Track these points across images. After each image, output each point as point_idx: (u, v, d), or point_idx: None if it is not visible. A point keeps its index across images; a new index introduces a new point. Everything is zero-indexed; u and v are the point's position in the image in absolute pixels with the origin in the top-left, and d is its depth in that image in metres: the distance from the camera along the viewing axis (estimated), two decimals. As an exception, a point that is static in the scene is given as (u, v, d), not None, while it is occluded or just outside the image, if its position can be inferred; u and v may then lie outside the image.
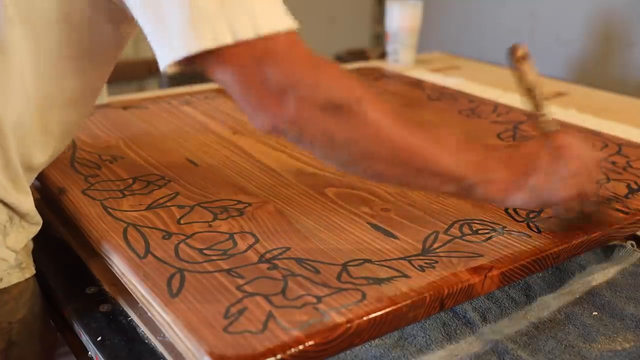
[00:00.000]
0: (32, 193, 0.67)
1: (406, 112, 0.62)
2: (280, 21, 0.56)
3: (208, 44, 0.53)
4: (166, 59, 0.55)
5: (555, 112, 1.18)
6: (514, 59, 0.75)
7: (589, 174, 0.67)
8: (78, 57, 0.65)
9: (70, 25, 0.63)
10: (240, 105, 0.58)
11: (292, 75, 0.56)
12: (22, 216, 0.66)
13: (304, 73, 0.56)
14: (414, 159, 0.60)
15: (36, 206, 0.68)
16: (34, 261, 0.69)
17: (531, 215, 0.73)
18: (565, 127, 0.70)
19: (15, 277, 0.65)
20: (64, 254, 0.77)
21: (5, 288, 0.64)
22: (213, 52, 0.54)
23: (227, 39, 0.53)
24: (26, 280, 0.67)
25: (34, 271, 0.68)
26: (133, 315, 0.65)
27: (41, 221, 0.69)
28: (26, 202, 0.66)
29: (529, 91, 0.74)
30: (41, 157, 0.68)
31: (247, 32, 0.54)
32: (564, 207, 0.67)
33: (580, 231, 0.68)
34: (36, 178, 0.83)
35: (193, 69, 0.57)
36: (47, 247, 0.78)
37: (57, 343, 0.76)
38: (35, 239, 0.69)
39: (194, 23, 0.53)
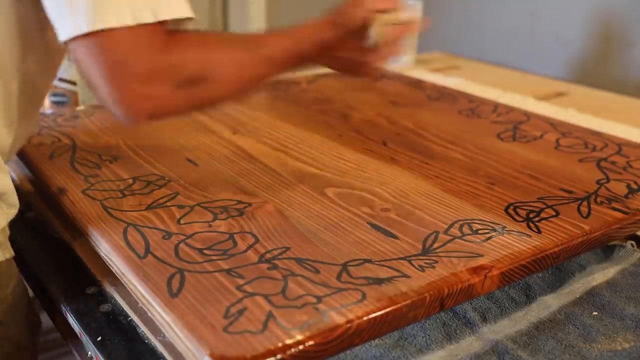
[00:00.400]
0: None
1: (242, 39, 0.69)
2: (178, 8, 0.61)
3: (112, 23, 0.56)
4: (66, 34, 0.58)
5: (556, 111, 1.18)
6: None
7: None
8: (12, 38, 0.66)
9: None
10: (105, 97, 0.60)
11: (154, 65, 0.59)
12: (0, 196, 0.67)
13: (163, 59, 0.60)
14: (268, 70, 0.69)
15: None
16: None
17: (531, 216, 0.73)
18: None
19: None
20: (64, 254, 0.77)
21: None
22: (98, 35, 0.57)
23: (127, 21, 0.57)
24: (7, 260, 0.68)
25: (12, 253, 0.70)
26: (133, 315, 0.65)
27: (18, 204, 0.70)
28: (2, 180, 0.67)
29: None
30: (6, 135, 0.69)
31: (147, 17, 0.58)
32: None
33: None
34: (36, 177, 0.83)
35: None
36: (47, 247, 0.78)
37: (41, 324, 0.77)
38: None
39: (100, 3, 0.56)
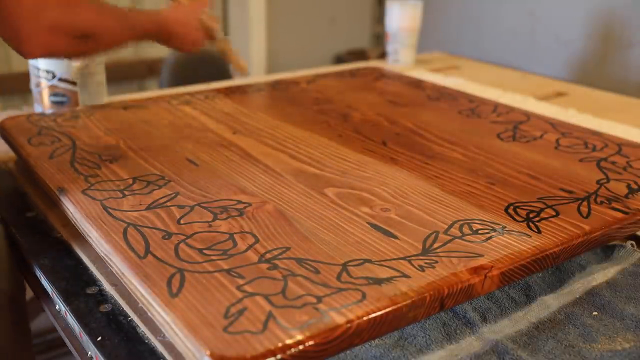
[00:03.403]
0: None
1: (117, 12, 0.84)
2: None
3: None
4: None
5: (556, 111, 1.18)
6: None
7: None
8: None
9: None
10: (7, 35, 0.72)
11: (57, 17, 0.73)
12: None
13: (63, 14, 0.73)
14: (127, 41, 0.86)
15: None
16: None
17: (531, 216, 0.73)
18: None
19: None
20: (64, 254, 0.77)
21: None
22: None
23: None
24: None
25: None
26: (133, 315, 0.65)
27: None
28: None
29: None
30: None
31: None
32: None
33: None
34: (36, 178, 0.83)
35: None
36: (47, 247, 0.78)
37: (24, 287, 0.81)
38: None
39: None
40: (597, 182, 0.83)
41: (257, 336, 0.51)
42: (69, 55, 0.82)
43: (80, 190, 0.77)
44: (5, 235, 0.79)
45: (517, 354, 0.58)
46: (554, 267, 0.72)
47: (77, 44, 0.76)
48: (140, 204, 0.74)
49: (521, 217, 0.73)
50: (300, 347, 0.51)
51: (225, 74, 1.77)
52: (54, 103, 1.12)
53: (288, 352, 0.50)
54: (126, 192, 0.77)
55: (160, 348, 0.60)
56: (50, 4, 0.72)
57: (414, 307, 0.57)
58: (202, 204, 0.74)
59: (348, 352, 0.58)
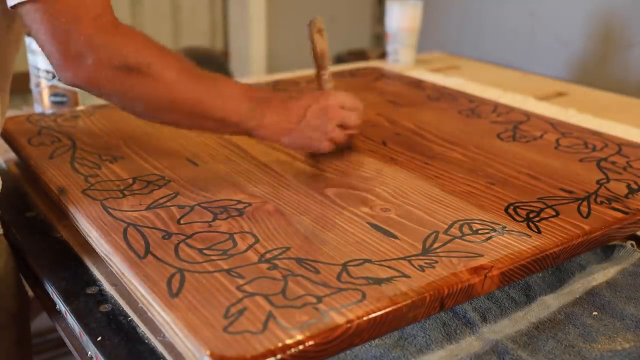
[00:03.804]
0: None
1: (195, 67, 0.73)
2: None
3: None
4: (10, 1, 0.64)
5: (556, 111, 1.18)
6: (312, 30, 0.91)
7: (344, 123, 0.84)
8: None
9: None
10: (50, 59, 0.66)
11: (93, 41, 0.65)
12: None
13: (104, 39, 0.65)
14: (196, 109, 0.72)
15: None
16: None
17: (531, 216, 0.73)
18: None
19: None
20: (64, 254, 0.77)
21: None
22: (42, 8, 0.63)
23: None
24: None
25: (1, 230, 0.72)
26: (133, 315, 0.65)
27: (0, 180, 0.73)
28: None
29: (318, 57, 0.91)
30: None
31: None
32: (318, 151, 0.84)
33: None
34: (36, 178, 0.83)
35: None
36: (47, 247, 0.78)
37: (30, 300, 0.80)
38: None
39: None
40: (597, 182, 0.83)
41: (257, 336, 0.51)
42: (107, 90, 0.68)
43: (80, 190, 0.77)
44: (11, 251, 0.77)
45: (517, 354, 0.58)
46: (554, 267, 0.72)
47: (117, 76, 0.67)
48: (140, 204, 0.74)
49: (521, 217, 0.73)
50: (300, 347, 0.51)
51: (225, 74, 1.77)
52: (54, 103, 1.12)
53: (288, 352, 0.50)
54: (126, 192, 0.77)
55: (160, 348, 0.60)
56: (88, 15, 0.65)
57: (414, 307, 0.57)
58: (202, 204, 0.74)
59: (348, 352, 0.58)
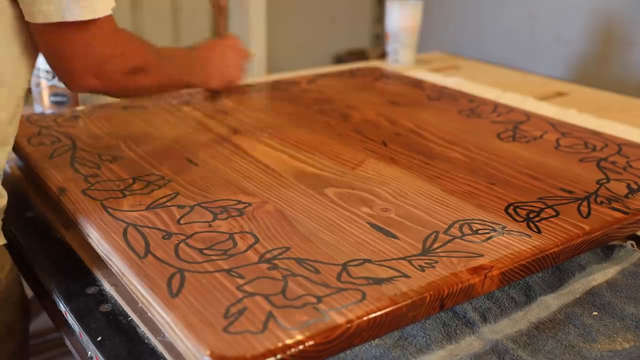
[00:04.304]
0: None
1: (163, 51, 0.90)
2: (108, 5, 0.73)
3: (96, 14, 0.71)
4: (35, 18, 0.69)
5: (556, 111, 1.18)
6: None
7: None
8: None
9: None
10: (60, 71, 0.75)
11: (112, 52, 0.75)
12: None
13: (118, 50, 0.76)
14: (172, 85, 0.95)
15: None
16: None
17: (531, 216, 0.73)
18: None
19: None
20: (64, 254, 0.77)
21: None
22: (67, 25, 0.70)
23: (98, 14, 0.71)
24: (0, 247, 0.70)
25: (4, 240, 0.72)
26: (133, 315, 0.65)
27: (6, 195, 0.74)
28: None
29: (215, 7, 1.11)
30: (8, 128, 0.73)
31: (102, 11, 0.72)
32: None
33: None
34: (36, 177, 0.83)
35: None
36: (47, 247, 0.78)
37: (31, 309, 0.79)
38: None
39: None
40: (597, 182, 0.83)
41: (257, 336, 0.51)
42: (122, 90, 0.82)
43: (80, 190, 0.77)
44: (14, 262, 0.76)
45: (517, 354, 0.58)
46: (554, 267, 0.72)
47: (128, 78, 0.78)
48: (140, 204, 0.74)
49: (521, 217, 0.73)
50: (300, 347, 0.51)
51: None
52: (54, 103, 1.12)
53: (288, 352, 0.50)
54: (126, 192, 0.77)
55: (160, 348, 0.60)
56: (100, 41, 0.73)
57: (414, 307, 0.57)
58: (202, 204, 0.74)
59: (348, 352, 0.58)
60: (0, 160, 0.72)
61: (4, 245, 0.74)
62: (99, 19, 0.71)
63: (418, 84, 1.33)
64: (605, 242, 0.74)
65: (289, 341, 0.51)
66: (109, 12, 0.73)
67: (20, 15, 0.70)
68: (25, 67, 0.73)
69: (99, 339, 0.62)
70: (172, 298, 0.56)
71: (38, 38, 0.71)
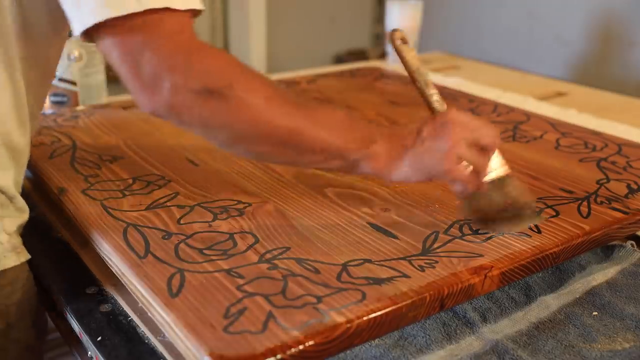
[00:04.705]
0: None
1: (287, 92, 0.63)
2: (185, 1, 0.58)
3: (114, 12, 0.55)
4: (78, 27, 0.57)
5: (556, 111, 1.18)
6: (395, 41, 0.74)
7: (477, 143, 0.65)
8: (19, 40, 0.65)
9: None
10: (127, 86, 0.59)
11: (168, 62, 0.57)
12: (10, 200, 0.67)
13: (179, 60, 0.57)
14: (292, 139, 0.61)
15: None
16: (34, 261, 0.69)
17: (531, 215, 0.73)
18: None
19: (11, 261, 0.66)
20: (64, 254, 0.77)
21: (1, 272, 0.66)
22: (111, 31, 0.56)
23: (132, 8, 0.55)
24: (21, 264, 0.68)
25: (28, 255, 0.69)
26: (133, 315, 0.65)
27: (27, 208, 0.70)
28: (8, 178, 0.67)
29: (412, 73, 0.73)
30: (21, 136, 0.68)
31: (154, 3, 0.55)
32: (451, 180, 0.66)
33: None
34: (37, 178, 0.83)
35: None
36: (47, 247, 0.78)
37: (47, 328, 0.77)
38: (35, 239, 0.69)
39: None
40: (597, 182, 0.83)
41: (257, 336, 0.51)
42: (191, 117, 0.59)
43: (80, 190, 0.77)
44: (34, 281, 0.72)
45: (517, 354, 0.58)
46: (554, 267, 0.72)
47: (197, 101, 0.58)
48: (140, 204, 0.74)
49: (521, 217, 0.73)
50: (300, 347, 0.51)
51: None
52: (54, 103, 1.12)
53: (288, 352, 0.50)
54: (126, 192, 0.77)
55: (160, 348, 0.60)
56: (174, 50, 0.57)
57: (414, 307, 0.57)
58: (202, 204, 0.74)
59: (348, 352, 0.58)
60: (19, 173, 0.70)
61: (27, 261, 0.69)
62: (159, 10, 0.56)
63: (418, 84, 1.33)
64: (605, 242, 0.74)
65: (289, 341, 0.51)
66: (181, 6, 0.57)
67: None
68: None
69: (99, 339, 0.62)
70: (172, 298, 0.56)
71: (99, 46, 0.59)
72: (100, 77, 1.15)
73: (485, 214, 0.68)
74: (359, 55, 2.39)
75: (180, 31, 0.58)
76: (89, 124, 1.00)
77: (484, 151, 0.65)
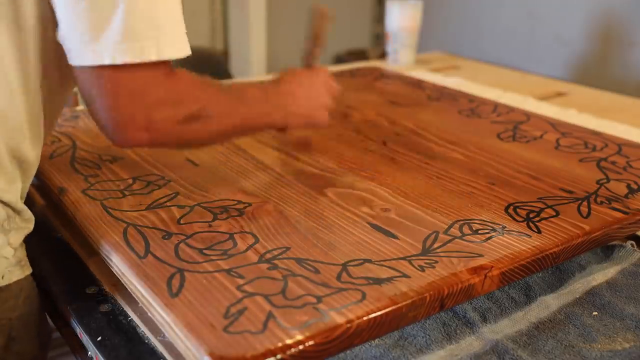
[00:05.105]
0: (32, 193, 0.66)
1: (228, 89, 0.74)
2: (183, 48, 0.64)
3: (134, 58, 0.60)
4: (84, 61, 0.60)
5: (556, 111, 1.18)
6: (315, 13, 0.91)
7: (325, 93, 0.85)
8: (36, 57, 0.65)
9: (21, 25, 0.63)
10: (103, 124, 0.63)
11: (157, 98, 0.63)
12: (18, 213, 0.66)
13: (169, 95, 0.64)
14: (244, 129, 0.75)
15: (36, 206, 0.68)
16: (34, 261, 0.69)
17: (531, 216, 0.73)
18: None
19: (15, 275, 0.66)
20: (64, 254, 0.77)
21: (6, 285, 0.65)
22: (119, 69, 0.60)
23: (152, 56, 0.60)
24: (25, 277, 0.67)
25: (31, 269, 0.69)
26: (133, 315, 0.65)
27: (33, 218, 0.70)
28: (16, 191, 0.67)
29: (313, 34, 0.90)
30: (32, 150, 0.68)
31: (171, 53, 0.62)
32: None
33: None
34: (37, 178, 0.83)
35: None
36: (47, 247, 0.78)
37: (51, 340, 0.77)
38: (35, 239, 0.69)
39: (126, 38, 0.59)
40: (597, 182, 0.83)
41: (257, 336, 0.51)
42: (176, 142, 0.70)
43: (80, 190, 0.77)
44: (38, 292, 0.72)
45: (517, 354, 0.58)
46: (554, 267, 0.72)
47: (183, 128, 0.66)
48: (140, 204, 0.74)
49: (521, 217, 0.73)
50: (300, 347, 0.51)
51: (225, 74, 1.77)
52: (54, 103, 1.11)
53: (288, 352, 0.50)
54: (126, 192, 0.77)
55: (160, 348, 0.60)
56: (152, 82, 0.63)
57: (414, 307, 0.57)
58: (202, 204, 0.74)
59: (348, 352, 0.58)
60: (26, 185, 0.70)
61: (30, 274, 0.70)
62: (151, 62, 0.61)
63: (418, 84, 1.33)
64: (605, 242, 0.74)
65: (289, 341, 0.51)
66: (168, 56, 0.62)
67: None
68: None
69: (99, 339, 0.62)
70: (172, 298, 0.56)
71: (77, 81, 0.63)
72: (100, 77, 1.14)
73: None
74: (359, 55, 2.39)
75: (167, 73, 0.64)
76: (89, 124, 1.00)
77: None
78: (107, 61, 0.59)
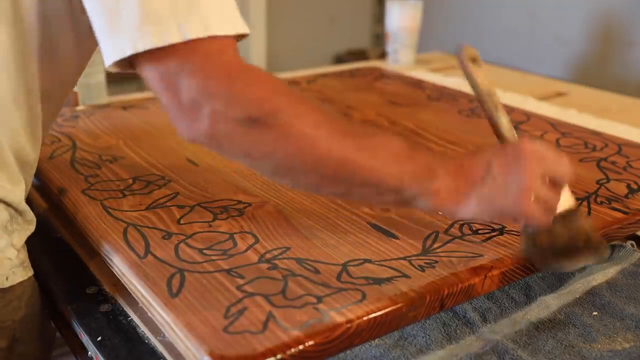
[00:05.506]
0: (32, 193, 0.66)
1: (339, 118, 0.60)
2: (228, 24, 0.55)
3: (153, 43, 0.52)
4: (111, 56, 0.55)
5: (556, 111, 1.18)
6: (464, 60, 0.69)
7: (552, 181, 0.61)
8: (40, 61, 0.64)
9: (22, 20, 0.62)
10: (168, 113, 0.57)
11: (207, 88, 0.54)
12: (20, 213, 0.66)
13: (220, 85, 0.54)
14: (341, 171, 0.57)
15: (37, 206, 0.68)
16: (34, 261, 0.69)
17: (531, 215, 0.73)
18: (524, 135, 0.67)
19: (19, 276, 0.66)
20: (64, 254, 0.77)
21: (9, 287, 0.65)
22: (148, 56, 0.54)
23: (174, 38, 0.52)
24: (28, 278, 0.67)
25: (33, 270, 0.69)
26: (133, 315, 0.65)
27: (35, 219, 0.69)
28: (20, 192, 0.66)
29: (484, 95, 0.68)
30: (32, 150, 0.68)
31: (197, 32, 0.53)
32: (524, 220, 0.61)
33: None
34: (37, 178, 0.83)
35: (132, 72, 0.57)
36: (47, 247, 0.78)
37: (55, 340, 0.76)
38: (35, 239, 0.69)
39: (144, 23, 0.52)
40: (597, 182, 0.83)
41: (257, 336, 0.51)
42: (233, 146, 0.56)
43: (80, 190, 0.77)
44: (40, 294, 0.71)
45: (517, 354, 0.58)
46: (554, 267, 0.72)
47: (238, 130, 0.54)
48: (140, 204, 0.74)
49: (521, 217, 0.73)
50: (300, 347, 0.51)
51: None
52: (54, 103, 1.11)
53: (288, 352, 0.50)
54: (126, 192, 0.77)
55: (160, 348, 0.60)
56: (214, 75, 0.54)
57: (414, 307, 0.57)
58: (202, 204, 0.74)
59: (348, 352, 0.58)
60: (28, 185, 0.70)
61: (32, 276, 0.68)
62: (201, 39, 0.53)
63: (418, 84, 1.33)
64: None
65: (289, 341, 0.51)
66: (224, 31, 0.54)
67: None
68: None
69: (99, 339, 0.62)
70: (172, 298, 0.56)
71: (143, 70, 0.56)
72: (100, 77, 1.14)
73: (549, 249, 0.62)
74: (359, 55, 2.39)
75: (221, 54, 0.54)
76: (89, 124, 1.00)
77: (556, 185, 0.61)
78: (176, 39, 0.52)
